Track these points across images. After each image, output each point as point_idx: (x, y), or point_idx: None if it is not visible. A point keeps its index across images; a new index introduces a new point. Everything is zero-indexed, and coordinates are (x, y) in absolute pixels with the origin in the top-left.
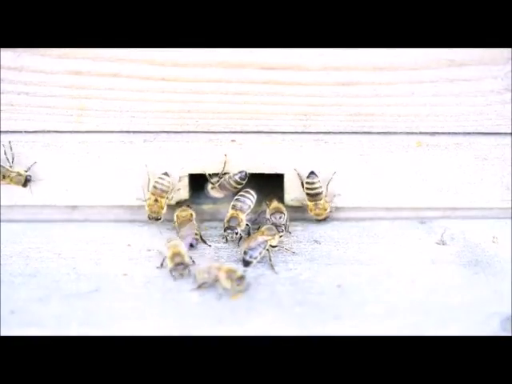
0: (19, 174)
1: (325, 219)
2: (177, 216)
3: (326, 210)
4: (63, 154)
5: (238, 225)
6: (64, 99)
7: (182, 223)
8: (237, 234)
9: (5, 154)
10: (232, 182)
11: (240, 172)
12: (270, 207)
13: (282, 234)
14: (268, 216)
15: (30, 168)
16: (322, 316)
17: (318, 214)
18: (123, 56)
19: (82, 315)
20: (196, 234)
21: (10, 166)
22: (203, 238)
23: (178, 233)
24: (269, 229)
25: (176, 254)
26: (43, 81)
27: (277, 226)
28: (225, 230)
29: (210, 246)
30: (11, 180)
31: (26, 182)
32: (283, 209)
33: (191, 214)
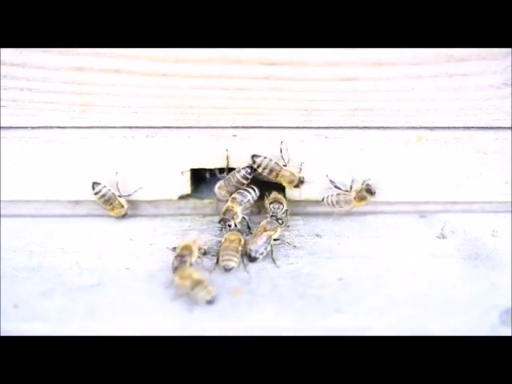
0: (121, 206)
1: (300, 184)
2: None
3: (293, 174)
4: (66, 150)
5: (233, 218)
6: (66, 95)
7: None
8: (230, 226)
9: (116, 184)
10: (238, 177)
11: (246, 167)
12: (269, 197)
13: (282, 225)
14: (267, 205)
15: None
16: (323, 309)
17: (290, 182)
18: (125, 52)
19: (85, 309)
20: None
21: (119, 196)
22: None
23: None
24: (269, 223)
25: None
26: (46, 77)
27: (277, 218)
28: (219, 222)
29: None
30: (112, 208)
31: (124, 215)
32: (282, 199)
33: (240, 240)
